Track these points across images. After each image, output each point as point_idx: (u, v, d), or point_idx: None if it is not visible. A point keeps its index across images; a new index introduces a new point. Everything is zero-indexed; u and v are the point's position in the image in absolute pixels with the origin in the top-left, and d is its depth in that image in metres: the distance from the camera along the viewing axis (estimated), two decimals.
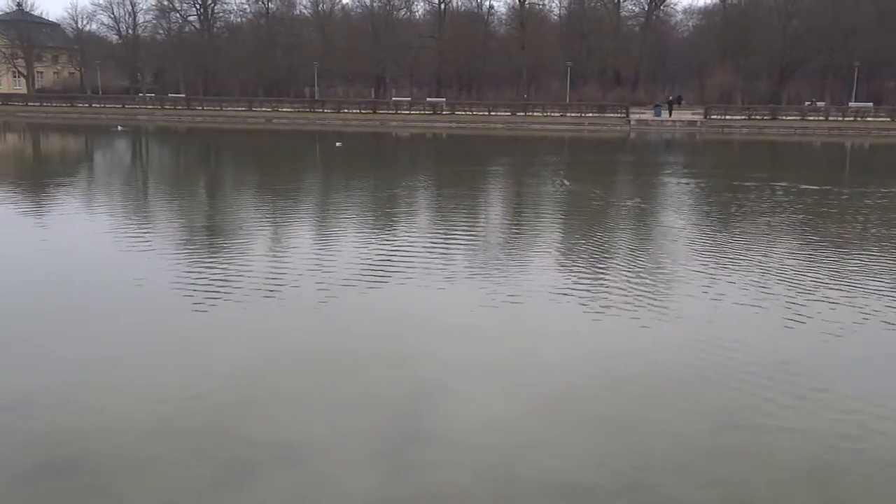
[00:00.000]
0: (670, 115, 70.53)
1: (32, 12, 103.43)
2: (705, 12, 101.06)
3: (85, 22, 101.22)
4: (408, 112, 74.44)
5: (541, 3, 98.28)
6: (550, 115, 71.55)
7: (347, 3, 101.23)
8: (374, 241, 17.28)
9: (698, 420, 8.29)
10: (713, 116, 69.01)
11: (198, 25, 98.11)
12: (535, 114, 72.23)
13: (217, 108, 78.92)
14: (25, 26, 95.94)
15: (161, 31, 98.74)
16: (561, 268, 14.89)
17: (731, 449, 7.67)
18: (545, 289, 13.16)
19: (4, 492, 6.75)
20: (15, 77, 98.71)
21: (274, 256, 15.62)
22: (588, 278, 13.99)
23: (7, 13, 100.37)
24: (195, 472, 7.08)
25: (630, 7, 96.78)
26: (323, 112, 75.49)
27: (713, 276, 14.18)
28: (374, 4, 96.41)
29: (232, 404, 8.48)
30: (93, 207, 22.78)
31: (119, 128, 63.30)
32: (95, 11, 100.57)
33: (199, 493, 6.76)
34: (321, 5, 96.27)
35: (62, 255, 15.63)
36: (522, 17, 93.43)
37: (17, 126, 69.04)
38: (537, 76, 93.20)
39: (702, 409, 8.53)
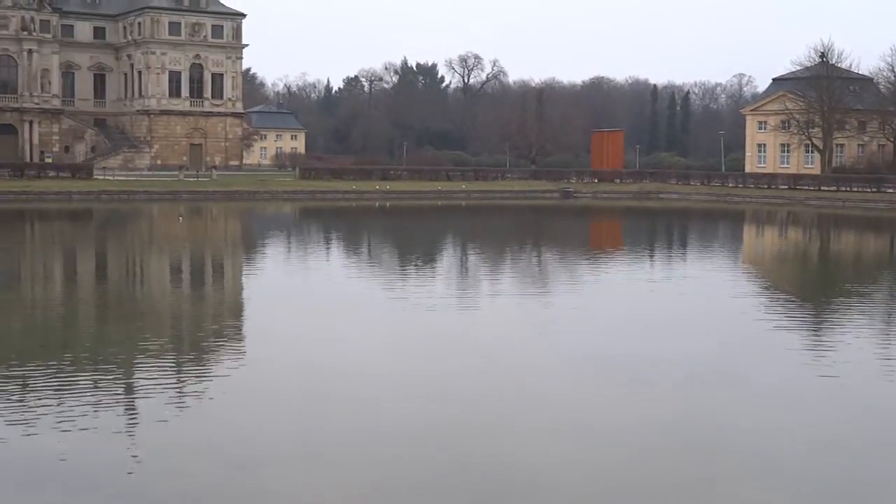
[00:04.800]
0: None
1: (839, 65, 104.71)
2: None
3: None
4: None
5: None
6: None
7: None
8: None
9: None
10: None
11: None
12: None
13: None
14: (828, 84, 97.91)
15: None
16: None
17: None
18: None
19: None
20: (807, 152, 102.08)
21: None
22: None
23: (807, 68, 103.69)
24: None
25: None
26: None
27: None
28: None
29: None
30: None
31: None
32: None
33: None
34: None
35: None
36: None
37: (803, 217, 70.50)
38: None
39: None
